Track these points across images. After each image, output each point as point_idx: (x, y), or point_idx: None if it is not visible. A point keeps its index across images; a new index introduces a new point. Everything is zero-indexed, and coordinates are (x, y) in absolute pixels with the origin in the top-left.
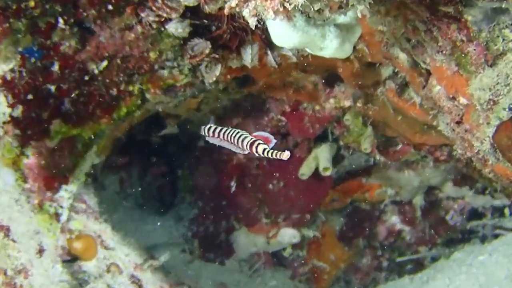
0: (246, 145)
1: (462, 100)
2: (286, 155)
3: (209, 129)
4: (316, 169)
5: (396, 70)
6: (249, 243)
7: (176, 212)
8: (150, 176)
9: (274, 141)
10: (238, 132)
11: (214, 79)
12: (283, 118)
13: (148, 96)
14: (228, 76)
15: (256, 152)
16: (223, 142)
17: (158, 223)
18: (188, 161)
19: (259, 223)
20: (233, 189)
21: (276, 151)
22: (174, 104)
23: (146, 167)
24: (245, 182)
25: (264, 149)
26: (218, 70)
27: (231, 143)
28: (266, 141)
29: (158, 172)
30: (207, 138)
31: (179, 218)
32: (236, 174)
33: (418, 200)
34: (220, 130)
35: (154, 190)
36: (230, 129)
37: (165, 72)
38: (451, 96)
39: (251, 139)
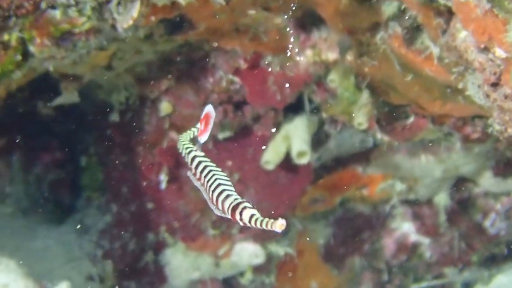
0: (228, 208)
1: (499, 52)
2: (280, 224)
3: (193, 159)
4: (288, 154)
5: (403, 7)
6: (189, 265)
7: (79, 220)
8: (39, 166)
9: (213, 115)
10: (219, 180)
11: (131, 22)
12: (236, 79)
13: (32, 48)
14: (153, 18)
15: (241, 220)
16: (200, 186)
17: (52, 237)
18: (96, 144)
19: (203, 235)
20: (163, 185)
21: (267, 220)
22: (72, 60)
23: (33, 153)
24: (181, 175)
25: (252, 216)
26: (136, 9)
27: (207, 194)
28: (206, 118)
29: (50, 160)
30: (188, 174)
31: (84, 229)
32: (168, 163)
33: (442, 199)
34: (199, 164)
35: (45, 188)
36: (210, 167)
37: (57, 13)
38: (482, 46)
39: (235, 200)
